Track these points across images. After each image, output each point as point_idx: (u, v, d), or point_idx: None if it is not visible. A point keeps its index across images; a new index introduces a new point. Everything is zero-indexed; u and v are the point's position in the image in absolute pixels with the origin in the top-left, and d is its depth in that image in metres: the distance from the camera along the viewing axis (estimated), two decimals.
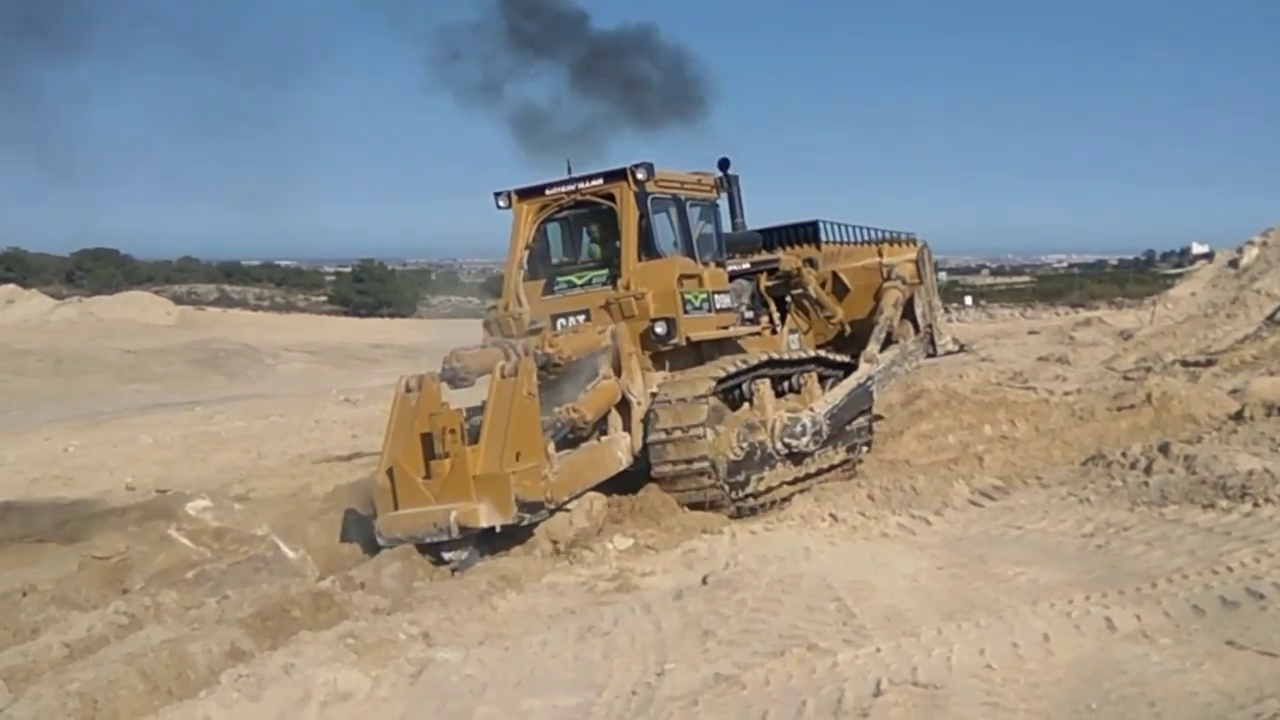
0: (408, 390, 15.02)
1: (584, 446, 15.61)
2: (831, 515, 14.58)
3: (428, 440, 14.24)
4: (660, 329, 16.17)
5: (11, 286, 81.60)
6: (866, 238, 22.12)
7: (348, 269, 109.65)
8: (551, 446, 14.91)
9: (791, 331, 20.21)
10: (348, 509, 16.33)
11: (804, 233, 21.22)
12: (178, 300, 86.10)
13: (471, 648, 10.49)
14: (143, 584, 13.74)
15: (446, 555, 13.95)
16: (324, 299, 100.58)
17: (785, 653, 9.17)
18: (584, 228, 17.43)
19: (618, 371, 16.00)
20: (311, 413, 32.73)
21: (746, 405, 16.91)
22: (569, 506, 14.82)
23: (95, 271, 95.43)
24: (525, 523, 14.17)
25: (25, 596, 13.44)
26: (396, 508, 14.16)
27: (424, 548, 14.01)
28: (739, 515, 15.56)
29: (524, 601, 12.25)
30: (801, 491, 16.86)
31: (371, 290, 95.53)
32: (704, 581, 11.81)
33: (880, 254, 21.45)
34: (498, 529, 13.94)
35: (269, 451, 25.41)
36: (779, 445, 16.94)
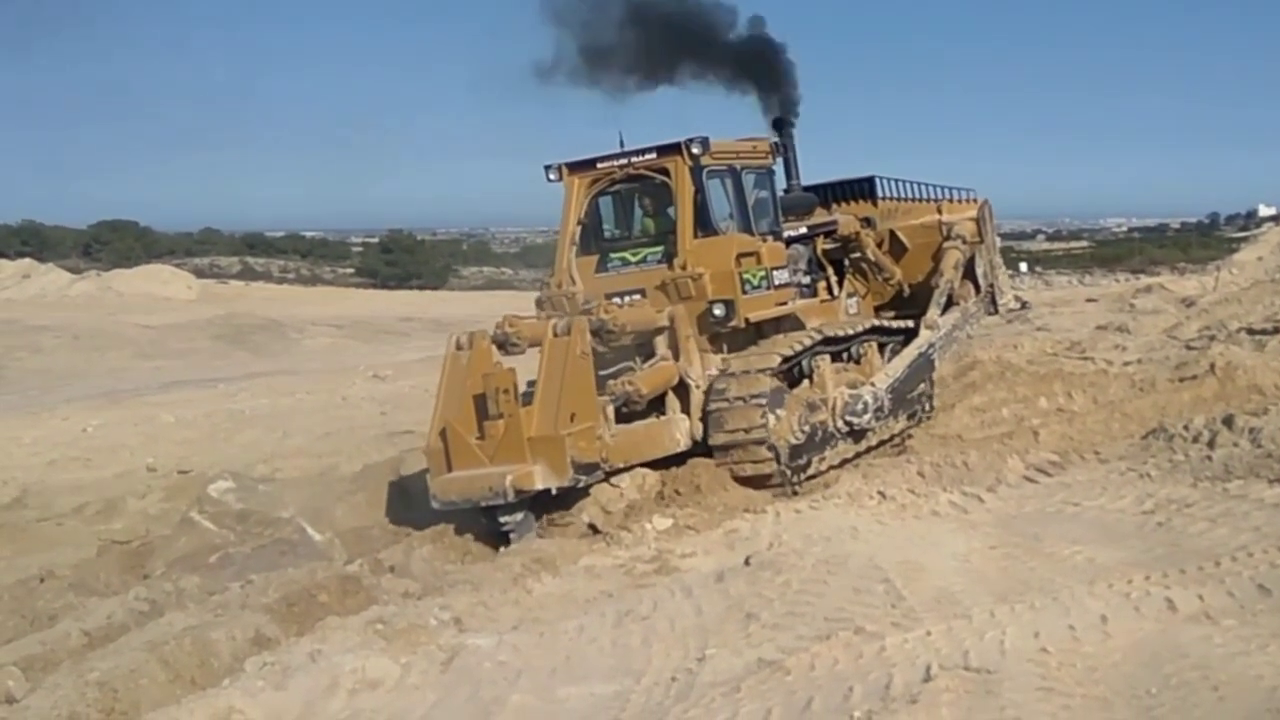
0: (458, 348, 15.15)
1: (642, 422, 15.73)
2: (879, 493, 14.52)
3: (480, 401, 14.37)
4: (719, 311, 16.11)
5: (27, 261, 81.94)
6: (925, 195, 22.08)
7: (375, 239, 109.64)
8: (610, 409, 15.01)
9: (849, 295, 20.19)
10: (376, 489, 16.45)
11: (860, 189, 21.20)
12: (199, 273, 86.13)
13: (505, 633, 10.55)
14: (164, 569, 13.85)
15: (502, 519, 14.16)
16: (351, 271, 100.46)
17: (831, 636, 9.19)
18: (637, 202, 17.42)
19: (676, 354, 16.05)
20: (339, 389, 32.73)
21: (806, 382, 16.91)
22: (622, 482, 14.92)
23: (113, 244, 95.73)
24: (581, 484, 14.40)
25: (43, 582, 13.58)
26: (450, 469, 14.33)
27: (479, 511, 14.27)
28: (792, 493, 15.58)
29: (559, 585, 12.30)
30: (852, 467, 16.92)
31: (400, 261, 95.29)
32: (746, 563, 11.83)
33: (940, 212, 21.39)
34: (554, 491, 14.12)
35: (295, 430, 25.49)
36: (840, 424, 16.98)
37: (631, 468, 15.12)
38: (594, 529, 14.37)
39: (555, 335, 14.66)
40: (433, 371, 16.04)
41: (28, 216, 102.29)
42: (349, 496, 16.47)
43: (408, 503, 15.86)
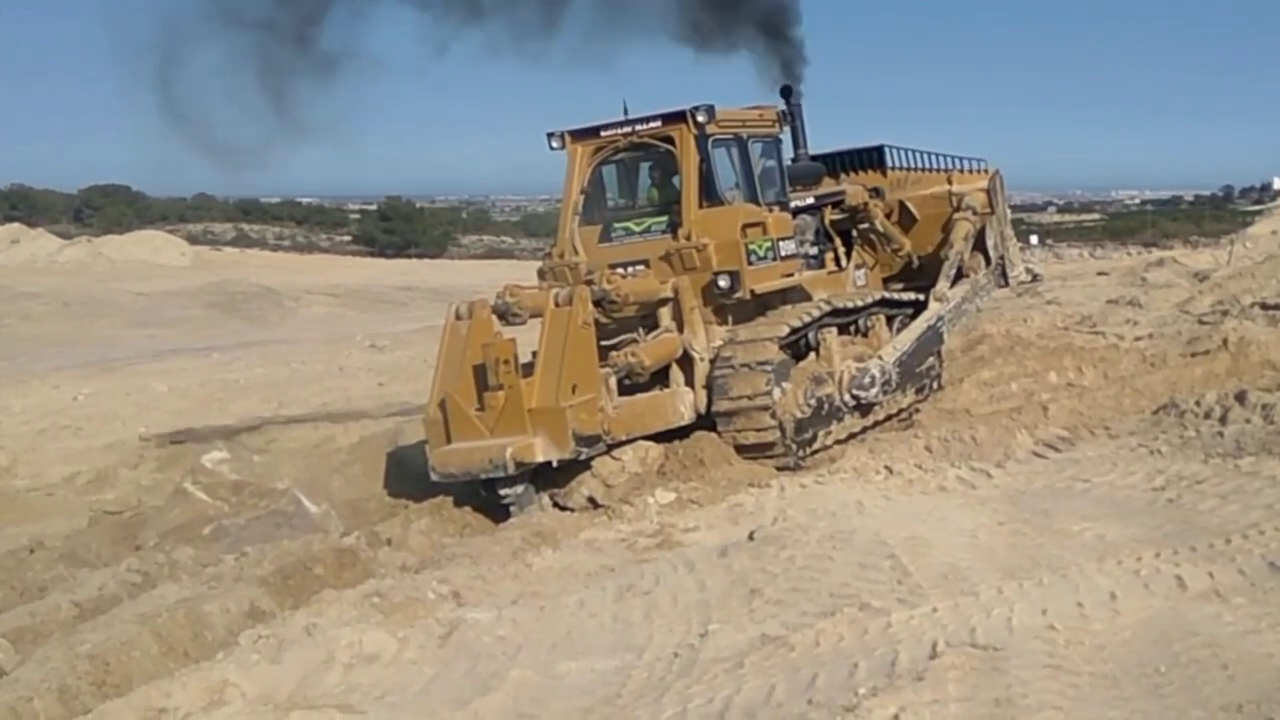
0: (457, 318, 15.17)
1: (645, 395, 15.76)
2: (886, 467, 14.51)
3: (480, 371, 14.42)
4: (724, 282, 16.03)
5: (16, 225, 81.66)
6: (935, 164, 22.04)
7: (373, 206, 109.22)
8: (613, 380, 15.02)
9: (858, 267, 20.14)
10: (373, 461, 16.45)
11: (869, 159, 21.16)
12: (193, 240, 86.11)
13: (504, 607, 10.57)
14: (157, 540, 13.88)
15: (503, 491, 14.23)
16: (348, 238, 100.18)
17: (836, 613, 9.19)
18: (641, 170, 17.35)
19: (679, 325, 16.05)
20: (335, 359, 32.75)
21: (812, 355, 16.90)
22: (624, 455, 14.94)
23: (105, 209, 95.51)
24: (583, 457, 14.46)
25: (33, 553, 13.61)
26: (449, 441, 14.37)
27: (479, 484, 14.35)
28: (798, 468, 15.58)
29: (560, 559, 12.31)
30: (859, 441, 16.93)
31: (398, 229, 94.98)
32: (750, 537, 11.85)
33: (950, 182, 21.29)
34: (555, 464, 14.17)
35: (290, 400, 25.49)
36: (847, 398, 16.98)
37: (634, 440, 15.14)
38: (594, 503, 14.40)
39: (557, 305, 14.68)
40: (432, 341, 16.06)
41: (17, 180, 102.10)
42: (346, 468, 16.49)
43: (405, 475, 15.86)
